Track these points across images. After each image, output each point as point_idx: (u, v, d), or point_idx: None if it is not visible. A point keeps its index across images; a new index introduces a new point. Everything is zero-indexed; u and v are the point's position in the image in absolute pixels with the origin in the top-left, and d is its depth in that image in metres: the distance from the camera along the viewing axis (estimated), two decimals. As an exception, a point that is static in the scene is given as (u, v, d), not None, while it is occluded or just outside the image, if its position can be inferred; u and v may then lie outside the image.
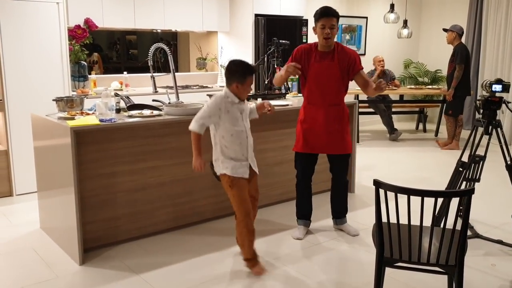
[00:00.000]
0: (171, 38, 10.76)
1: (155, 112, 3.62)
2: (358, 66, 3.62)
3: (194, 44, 7.05)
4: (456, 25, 6.57)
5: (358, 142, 7.21)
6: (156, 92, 4.04)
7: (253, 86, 6.14)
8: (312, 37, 7.22)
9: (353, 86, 7.83)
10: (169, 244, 3.55)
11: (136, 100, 4.26)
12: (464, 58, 6.40)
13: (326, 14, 3.45)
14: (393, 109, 7.87)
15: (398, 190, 2.30)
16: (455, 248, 2.34)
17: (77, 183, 3.17)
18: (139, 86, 5.94)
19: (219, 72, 6.55)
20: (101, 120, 3.30)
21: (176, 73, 7.07)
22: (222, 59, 6.63)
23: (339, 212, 3.87)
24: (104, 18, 5.35)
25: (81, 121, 3.22)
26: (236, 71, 2.91)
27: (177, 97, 3.96)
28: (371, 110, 7.74)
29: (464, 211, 2.31)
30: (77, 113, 3.50)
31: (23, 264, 3.24)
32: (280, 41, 5.62)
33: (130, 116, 3.51)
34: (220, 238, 3.65)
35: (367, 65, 7.99)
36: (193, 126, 2.93)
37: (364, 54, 8.49)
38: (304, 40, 6.62)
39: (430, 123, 8.67)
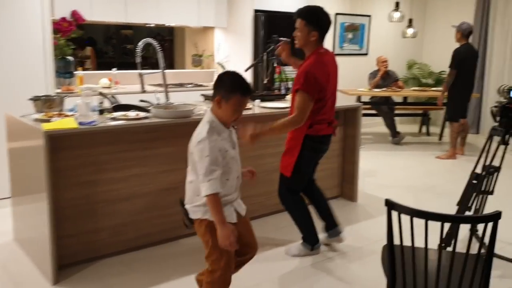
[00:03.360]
0: (168, 34, 10.43)
1: (141, 114, 3.30)
2: (296, 84, 2.99)
3: (190, 40, 6.71)
4: (462, 24, 6.19)
5: (360, 145, 6.89)
6: (144, 91, 3.71)
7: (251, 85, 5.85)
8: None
9: (354, 87, 7.58)
10: (156, 260, 3.23)
11: (124, 100, 3.93)
12: (456, 63, 6.04)
13: (294, 14, 3.07)
14: (396, 111, 7.55)
15: (415, 213, 1.98)
16: (478, 279, 2.02)
17: (51, 192, 2.84)
18: (131, 83, 5.59)
19: (215, 70, 6.23)
20: (80, 123, 2.97)
21: (170, 71, 6.77)
22: (219, 56, 6.30)
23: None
24: (93, 11, 5.00)
25: (57, 124, 2.90)
26: (225, 83, 2.22)
27: (167, 97, 3.63)
28: (373, 112, 7.42)
29: (489, 239, 1.99)
30: (55, 114, 3.17)
31: (-10, 282, 2.91)
32: (280, 38, 5.28)
33: (113, 119, 3.18)
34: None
35: (370, 65, 7.71)
36: (213, 187, 2.11)
37: (367, 54, 8.17)
38: (305, 38, 6.30)
39: (434, 126, 8.36)
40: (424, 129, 8.13)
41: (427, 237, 1.99)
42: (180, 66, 7.03)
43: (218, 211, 2.14)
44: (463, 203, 3.34)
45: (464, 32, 6.14)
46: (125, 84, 5.52)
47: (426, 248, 2.01)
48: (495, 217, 1.94)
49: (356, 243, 3.61)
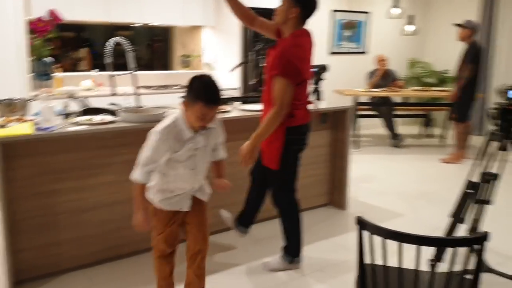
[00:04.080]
0: (168, 34, 10.21)
1: (108, 119, 3.07)
2: (272, 69, 2.72)
3: (178, 41, 6.49)
4: (470, 21, 5.90)
5: (357, 148, 6.64)
6: (114, 94, 3.49)
7: (241, 85, 5.58)
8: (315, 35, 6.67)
9: (351, 86, 7.31)
10: (123, 274, 3.00)
11: (99, 103, 3.72)
12: (474, 57, 5.77)
13: None
14: (396, 112, 7.27)
15: (387, 234, 1.73)
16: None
17: (5, 204, 2.64)
18: (120, 84, 5.38)
19: (203, 71, 6.00)
20: (38, 129, 2.76)
21: (156, 72, 6.55)
22: (208, 56, 6.07)
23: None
24: (73, 10, 4.79)
25: (10, 130, 2.68)
26: (192, 88, 2.13)
27: (137, 100, 3.41)
28: (372, 112, 7.15)
29: (476, 264, 1.74)
30: (14, 119, 2.96)
31: None
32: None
33: (76, 124, 2.96)
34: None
35: (368, 64, 7.43)
36: (137, 175, 2.22)
37: (366, 52, 7.89)
38: (298, 37, 6.06)
39: (437, 127, 8.06)
40: (425, 131, 7.83)
41: (401, 259, 1.74)
42: (168, 67, 6.82)
43: (140, 197, 2.24)
44: (456, 214, 3.07)
45: (475, 30, 5.87)
46: (109, 86, 5.31)
47: (400, 271, 1.76)
48: (481, 239, 1.69)
49: (340, 255, 3.36)
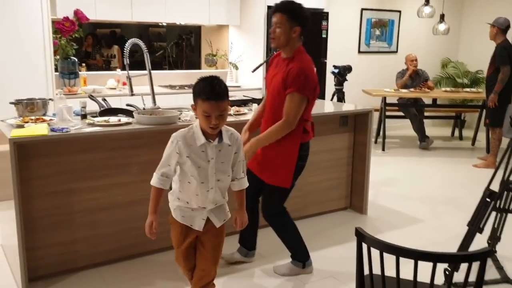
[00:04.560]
0: (194, 32, 10.25)
1: (123, 120, 3.11)
2: (290, 86, 2.71)
3: (205, 40, 6.52)
4: (499, 19, 5.67)
5: (383, 150, 6.51)
6: (132, 94, 3.53)
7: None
8: (333, 32, 6.62)
9: (381, 87, 7.16)
10: (136, 274, 3.04)
11: (120, 103, 3.79)
12: (506, 58, 5.53)
13: (273, 10, 2.78)
14: (426, 114, 7.09)
15: (384, 248, 1.68)
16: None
17: (20, 201, 2.70)
18: (139, 84, 5.45)
19: (228, 70, 6.00)
20: (52, 130, 2.82)
21: (181, 71, 6.60)
22: (233, 55, 6.06)
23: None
24: (97, 10, 4.88)
25: (26, 130, 2.75)
26: (194, 88, 2.12)
27: (154, 102, 3.43)
28: (401, 113, 6.99)
29: (477, 280, 1.66)
30: (31, 119, 3.03)
31: (-41, 293, 2.81)
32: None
33: (92, 125, 3.01)
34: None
35: (399, 64, 7.26)
36: (153, 178, 2.21)
37: (396, 52, 7.72)
38: (324, 36, 5.97)
39: (469, 129, 7.81)
40: (457, 133, 7.60)
41: (398, 273, 1.68)
42: (195, 67, 6.86)
43: (153, 201, 2.22)
44: (474, 223, 2.97)
45: (501, 27, 5.62)
46: (135, 85, 5.37)
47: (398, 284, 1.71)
48: (482, 255, 1.62)
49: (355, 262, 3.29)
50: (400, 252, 1.64)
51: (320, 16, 5.94)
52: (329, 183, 4.11)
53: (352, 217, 4.12)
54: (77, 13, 4.68)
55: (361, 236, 1.79)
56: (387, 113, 6.76)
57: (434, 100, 7.02)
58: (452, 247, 3.20)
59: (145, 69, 3.51)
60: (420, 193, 4.80)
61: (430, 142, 6.75)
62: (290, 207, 3.83)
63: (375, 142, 6.96)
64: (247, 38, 5.91)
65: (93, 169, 3.02)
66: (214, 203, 2.25)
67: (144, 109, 3.35)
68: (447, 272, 2.90)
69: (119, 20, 5.27)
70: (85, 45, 8.65)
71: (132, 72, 3.53)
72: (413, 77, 6.87)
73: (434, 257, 1.58)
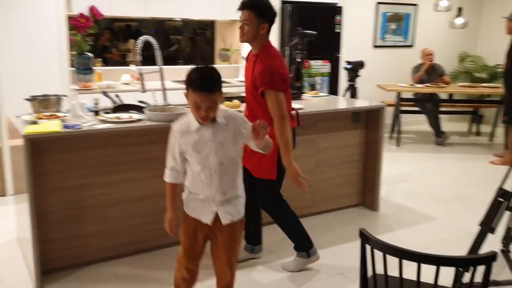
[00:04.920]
0: (208, 27, 10.24)
1: (135, 117, 3.15)
2: (261, 84, 2.74)
3: (219, 34, 6.52)
4: None
5: (398, 145, 6.46)
6: (144, 90, 3.56)
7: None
8: (348, 27, 6.56)
9: (395, 81, 7.09)
10: (146, 268, 3.09)
11: (133, 98, 3.82)
12: None
13: (239, 6, 2.78)
14: (442, 109, 6.99)
15: (387, 250, 1.67)
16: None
17: (33, 195, 2.76)
18: (156, 79, 5.49)
19: (241, 64, 6.00)
20: (65, 126, 2.87)
21: (192, 66, 6.58)
22: (245, 50, 6.05)
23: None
24: (112, 6, 4.92)
25: (40, 127, 2.80)
26: (187, 77, 2.09)
27: (164, 98, 3.46)
28: (416, 108, 6.92)
29: (482, 285, 1.65)
30: (45, 116, 3.08)
31: (-25, 285, 2.89)
32: (305, 31, 4.98)
33: (103, 121, 3.05)
34: (209, 263, 3.13)
35: (414, 58, 7.17)
36: (166, 176, 2.24)
37: (412, 46, 7.62)
38: (338, 30, 5.93)
39: (487, 124, 7.68)
40: (474, 129, 7.48)
41: (401, 275, 1.68)
42: (209, 62, 6.86)
43: (168, 197, 2.27)
44: (487, 223, 2.93)
45: None
46: (150, 80, 5.41)
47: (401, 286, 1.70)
48: (487, 259, 1.60)
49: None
50: (402, 254, 1.64)
51: (333, 10, 5.89)
52: (341, 179, 4.10)
53: (363, 214, 4.10)
54: (92, 9, 4.73)
55: (364, 238, 1.79)
56: (402, 108, 6.68)
57: (451, 95, 6.92)
58: (464, 246, 3.16)
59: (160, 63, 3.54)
60: (434, 190, 4.76)
61: (445, 137, 6.67)
62: (300, 203, 3.87)
63: (390, 137, 6.90)
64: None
65: (104, 165, 3.06)
66: (222, 192, 2.18)
67: (155, 105, 3.38)
68: (459, 273, 2.88)
69: (133, 16, 5.31)
70: (102, 39, 8.73)
71: (144, 68, 3.56)
72: (429, 71, 6.78)
73: (437, 260, 1.58)
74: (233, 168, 2.21)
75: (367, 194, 4.22)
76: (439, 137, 6.66)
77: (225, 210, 2.22)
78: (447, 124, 7.72)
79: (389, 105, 6.90)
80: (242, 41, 2.86)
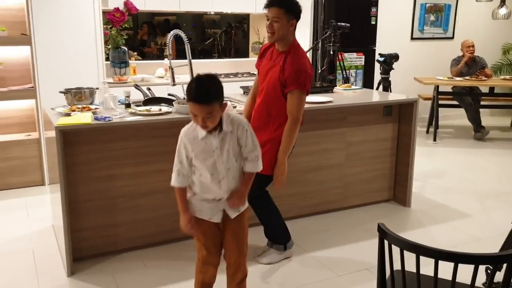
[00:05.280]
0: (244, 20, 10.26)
1: (164, 110, 3.20)
2: (291, 84, 2.75)
3: (253, 28, 6.52)
4: None
5: (434, 140, 6.29)
6: (174, 84, 3.62)
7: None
8: (384, 19, 6.41)
9: (433, 74, 6.89)
10: (173, 258, 3.15)
11: (164, 92, 3.89)
12: None
13: (267, 3, 2.74)
14: (483, 103, 6.75)
15: (405, 245, 1.64)
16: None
17: (65, 186, 2.86)
18: (188, 73, 5.56)
19: (274, 58, 5.98)
20: (96, 118, 2.95)
21: (228, 59, 6.63)
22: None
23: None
24: (146, 0, 5.01)
25: (71, 119, 2.90)
26: (186, 88, 2.12)
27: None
28: (455, 102, 6.71)
29: (502, 284, 1.59)
30: (78, 108, 3.18)
31: (12, 269, 3.02)
32: (338, 23, 4.93)
33: (134, 114, 3.12)
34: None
35: (454, 50, 6.95)
36: (172, 180, 2.22)
37: (453, 38, 7.38)
38: (373, 22, 5.81)
39: (531, 120, 7.38)
40: (517, 123, 7.21)
41: (418, 272, 1.65)
42: (244, 55, 6.88)
43: (179, 201, 2.25)
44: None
45: None
46: (180, 74, 5.50)
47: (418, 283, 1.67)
48: (508, 258, 1.55)
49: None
50: (419, 250, 1.60)
51: (369, 2, 5.79)
52: (372, 174, 4.04)
53: (394, 210, 4.03)
54: (127, 4, 4.83)
55: (383, 233, 1.76)
56: (441, 102, 6.51)
57: (492, 88, 6.68)
58: (497, 245, 3.06)
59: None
60: (470, 187, 4.62)
61: (485, 132, 6.45)
62: (330, 198, 3.85)
63: (427, 131, 6.73)
64: (294, 25, 5.85)
65: (134, 156, 3.13)
66: (229, 191, 2.23)
67: (184, 98, 3.42)
68: (488, 271, 2.79)
69: (168, 10, 5.38)
70: (141, 33, 8.90)
71: (174, 62, 3.61)
72: (469, 64, 6.57)
73: (454, 257, 1.54)
74: (238, 166, 2.24)
75: (398, 189, 4.14)
76: (479, 132, 6.44)
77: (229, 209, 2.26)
78: (488, 118, 7.46)
79: (426, 98, 6.74)
80: (273, 40, 2.83)
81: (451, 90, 6.62)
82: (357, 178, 3.98)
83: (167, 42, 3.50)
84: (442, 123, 7.14)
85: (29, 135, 4.53)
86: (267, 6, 2.78)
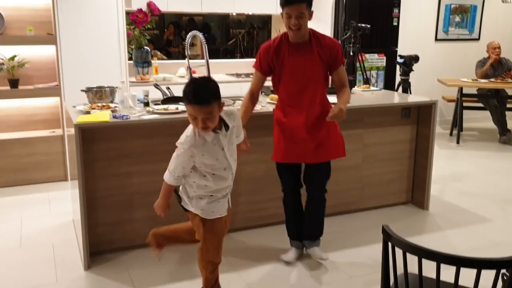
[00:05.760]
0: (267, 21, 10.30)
1: (180, 108, 3.26)
2: (341, 59, 2.91)
3: (275, 28, 6.55)
4: None
5: (458, 143, 6.19)
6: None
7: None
8: (406, 20, 6.34)
9: (458, 76, 6.77)
10: (190, 253, 3.20)
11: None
12: None
13: (289, 1, 2.70)
14: (509, 105, 6.61)
15: (407, 248, 1.64)
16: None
17: (83, 182, 2.94)
18: (212, 72, 5.63)
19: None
20: (114, 117, 3.02)
21: (250, 59, 6.65)
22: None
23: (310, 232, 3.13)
24: (169, 2, 5.09)
25: (90, 117, 2.98)
26: (183, 90, 2.16)
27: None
28: (480, 104, 6.59)
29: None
30: (98, 106, 3.27)
31: (32, 262, 3.13)
32: (359, 25, 4.92)
33: (151, 112, 3.19)
34: (249, 253, 3.20)
35: (480, 52, 6.83)
36: (167, 178, 2.34)
37: (478, 39, 7.25)
38: (395, 23, 5.76)
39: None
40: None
41: (421, 275, 1.64)
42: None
43: (167, 192, 2.42)
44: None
45: None
46: (202, 73, 5.56)
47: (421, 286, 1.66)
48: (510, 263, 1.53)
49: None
50: (422, 253, 1.60)
51: (391, 3, 5.73)
52: (389, 176, 4.01)
53: (412, 212, 3.99)
54: (149, 5, 4.93)
55: (386, 235, 1.75)
56: (465, 104, 6.40)
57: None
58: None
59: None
60: (492, 191, 4.53)
61: (511, 136, 6.30)
62: (347, 199, 3.84)
63: (450, 134, 6.63)
64: (314, 26, 5.83)
65: (151, 154, 3.20)
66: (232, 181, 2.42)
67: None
68: (504, 277, 2.74)
69: (190, 11, 5.46)
70: (167, 33, 9.04)
71: (193, 62, 3.66)
72: (495, 66, 6.44)
73: (457, 261, 1.53)
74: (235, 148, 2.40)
75: (416, 192, 4.09)
76: (504, 136, 6.31)
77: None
78: (514, 122, 7.29)
79: (450, 100, 6.64)
80: (299, 35, 2.79)
81: (476, 92, 6.50)
82: (375, 180, 3.96)
83: (186, 42, 3.55)
84: (466, 126, 7.01)
85: (53, 131, 4.67)
86: (290, 3, 2.72)
